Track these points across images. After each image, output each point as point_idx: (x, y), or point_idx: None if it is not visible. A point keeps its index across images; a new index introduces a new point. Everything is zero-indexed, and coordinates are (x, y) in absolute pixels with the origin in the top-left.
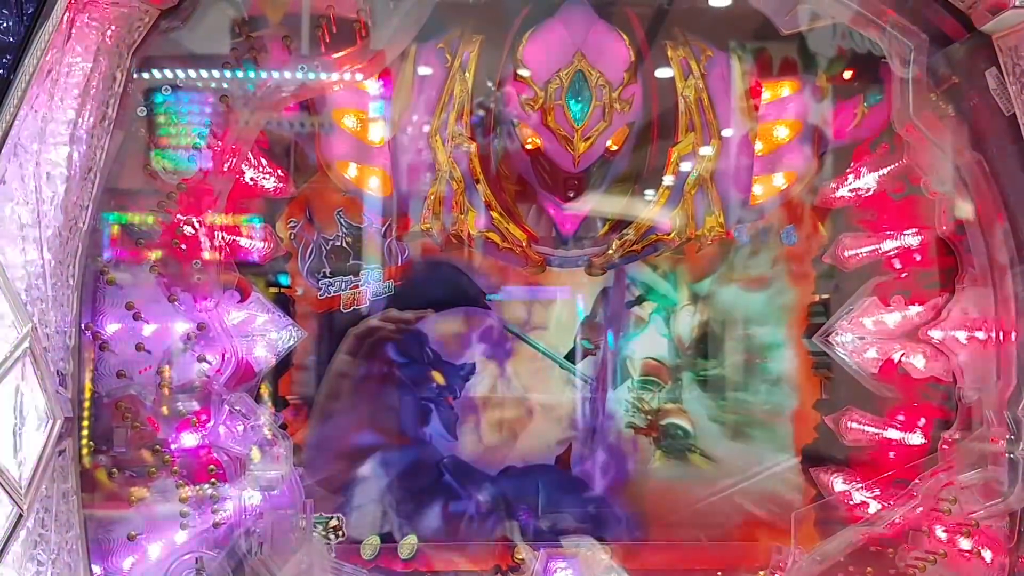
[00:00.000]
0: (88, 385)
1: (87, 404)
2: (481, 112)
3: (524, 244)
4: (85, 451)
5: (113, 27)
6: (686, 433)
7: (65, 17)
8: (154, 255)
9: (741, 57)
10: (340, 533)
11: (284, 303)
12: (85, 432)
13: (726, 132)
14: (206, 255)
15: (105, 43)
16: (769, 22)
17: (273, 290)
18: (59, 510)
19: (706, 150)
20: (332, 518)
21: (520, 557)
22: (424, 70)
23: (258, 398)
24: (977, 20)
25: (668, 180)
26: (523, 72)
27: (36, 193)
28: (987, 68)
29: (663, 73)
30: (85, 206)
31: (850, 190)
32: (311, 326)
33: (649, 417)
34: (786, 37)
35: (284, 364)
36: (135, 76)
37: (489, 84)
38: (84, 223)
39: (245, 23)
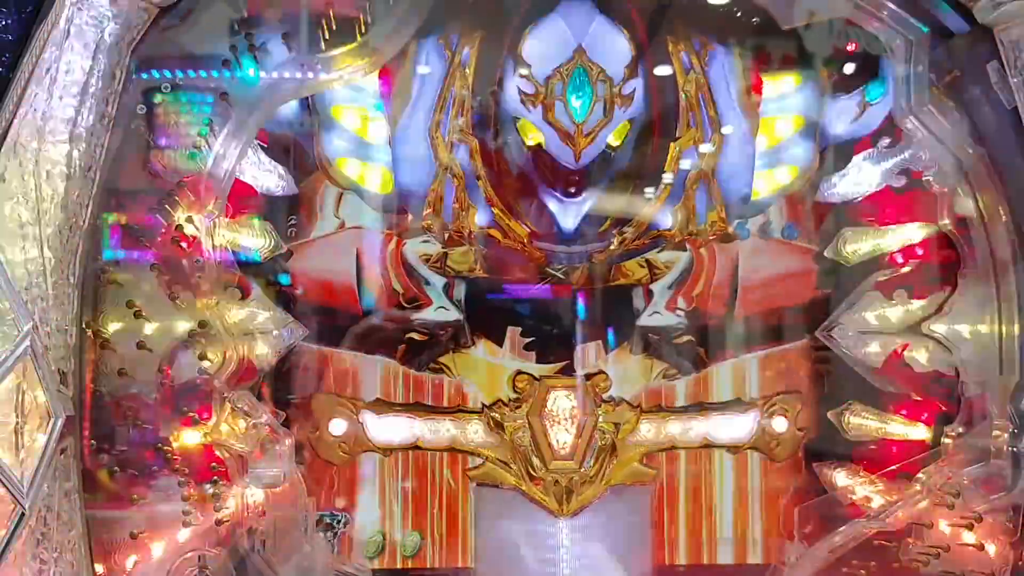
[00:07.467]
0: (89, 384)
1: (89, 403)
2: (481, 108)
3: (525, 240)
4: (87, 450)
5: (112, 25)
6: None
7: (64, 15)
8: (155, 254)
9: (742, 52)
10: (343, 530)
11: (285, 301)
12: (87, 431)
13: (727, 127)
14: (207, 253)
15: (104, 41)
16: (770, 17)
17: (274, 288)
18: (61, 509)
19: (707, 146)
20: (335, 515)
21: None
22: (424, 67)
23: (260, 396)
24: (978, 13)
25: (669, 176)
26: (523, 68)
27: (36, 191)
28: (988, 61)
29: (664, 69)
30: (85, 204)
31: (852, 184)
32: (312, 324)
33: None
34: (787, 32)
35: (286, 362)
36: (134, 74)
37: (489, 81)
38: (84, 221)
39: (244, 21)
